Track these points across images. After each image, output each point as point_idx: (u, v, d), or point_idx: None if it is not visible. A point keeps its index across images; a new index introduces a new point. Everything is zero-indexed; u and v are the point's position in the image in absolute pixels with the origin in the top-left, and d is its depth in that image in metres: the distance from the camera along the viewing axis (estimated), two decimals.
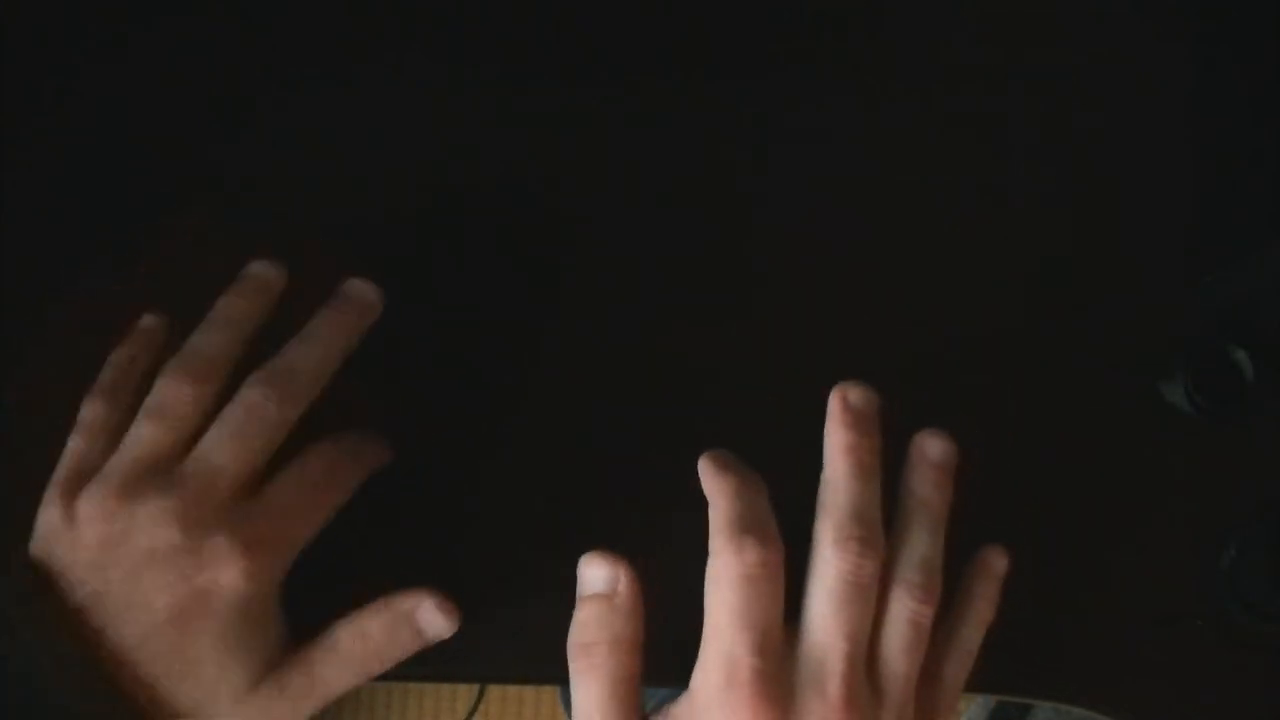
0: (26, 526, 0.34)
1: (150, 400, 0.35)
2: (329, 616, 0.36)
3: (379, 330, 0.38)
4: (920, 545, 0.35)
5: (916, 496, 0.35)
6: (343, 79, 0.42)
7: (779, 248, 0.41)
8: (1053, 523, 0.39)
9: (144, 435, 0.34)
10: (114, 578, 0.33)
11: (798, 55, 0.42)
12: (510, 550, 0.39)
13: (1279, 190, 0.41)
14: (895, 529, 0.35)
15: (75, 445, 0.35)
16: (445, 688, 1.09)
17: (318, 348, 0.36)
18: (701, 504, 0.34)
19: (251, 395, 0.35)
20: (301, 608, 0.36)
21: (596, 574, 0.34)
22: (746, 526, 0.33)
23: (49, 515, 0.34)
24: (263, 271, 0.38)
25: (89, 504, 0.33)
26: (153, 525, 0.33)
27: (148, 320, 0.38)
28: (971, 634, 0.35)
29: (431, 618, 0.36)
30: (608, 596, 0.34)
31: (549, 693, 1.08)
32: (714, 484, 0.35)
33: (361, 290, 0.38)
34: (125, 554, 0.33)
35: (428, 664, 0.37)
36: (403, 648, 0.36)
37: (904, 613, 0.33)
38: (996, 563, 0.36)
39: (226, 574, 0.33)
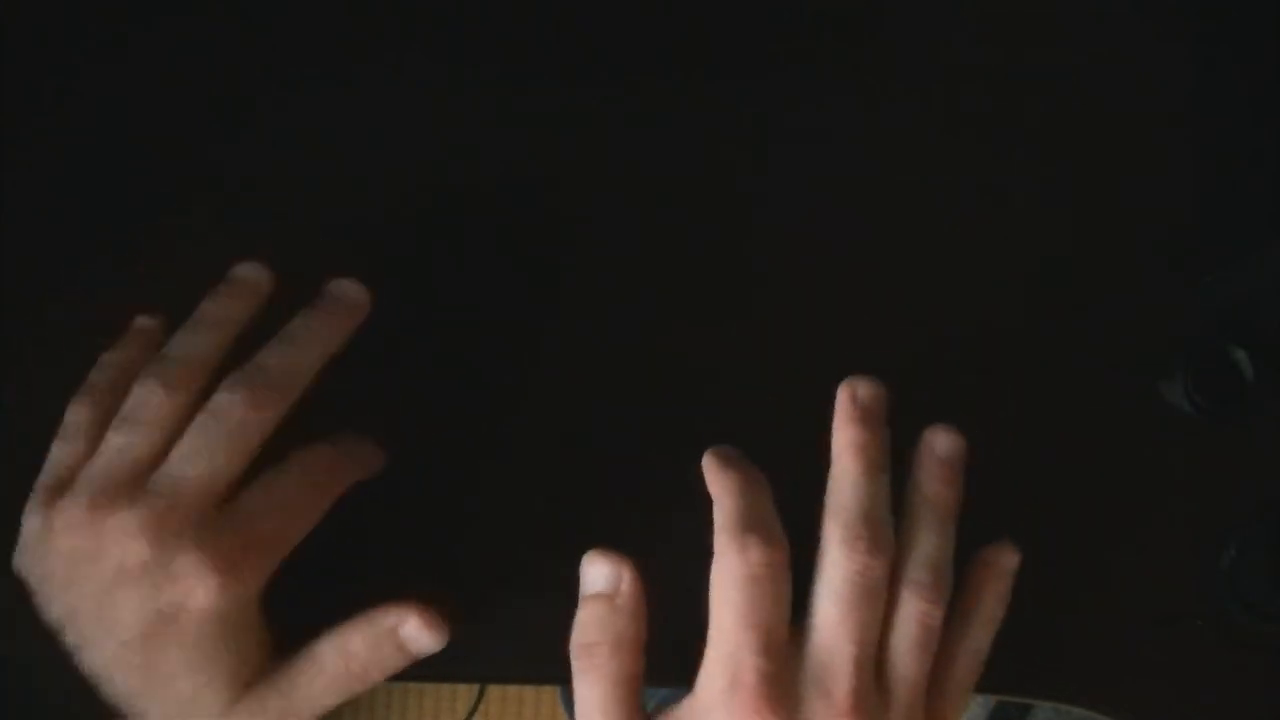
0: None
1: (125, 406, 0.34)
2: (329, 617, 0.36)
3: (379, 331, 0.37)
4: (928, 544, 0.34)
5: (924, 494, 0.35)
6: (343, 79, 0.42)
7: (779, 248, 0.41)
8: (1053, 523, 0.39)
9: (118, 443, 0.33)
10: (86, 592, 0.32)
11: (798, 55, 0.42)
12: (510, 550, 0.39)
13: (1279, 190, 0.41)
14: (903, 527, 0.34)
15: (58, 450, 0.34)
16: (445, 688, 1.09)
17: (295, 348, 0.35)
18: (703, 504, 0.34)
19: (221, 399, 0.33)
20: (300, 609, 0.36)
21: (599, 573, 0.34)
22: (751, 525, 0.33)
23: (31, 523, 0.33)
24: (248, 273, 0.36)
25: (62, 515, 0.32)
26: (123, 538, 0.32)
27: (141, 321, 0.37)
28: (981, 634, 0.35)
29: (416, 634, 0.35)
30: (610, 596, 0.33)
31: (549, 693, 1.08)
32: (718, 481, 0.34)
33: (346, 290, 0.36)
34: (96, 571, 0.32)
35: (428, 664, 0.36)
36: (387, 665, 0.35)
37: (913, 614, 0.33)
38: (1007, 559, 0.35)
39: (197, 590, 0.32)
